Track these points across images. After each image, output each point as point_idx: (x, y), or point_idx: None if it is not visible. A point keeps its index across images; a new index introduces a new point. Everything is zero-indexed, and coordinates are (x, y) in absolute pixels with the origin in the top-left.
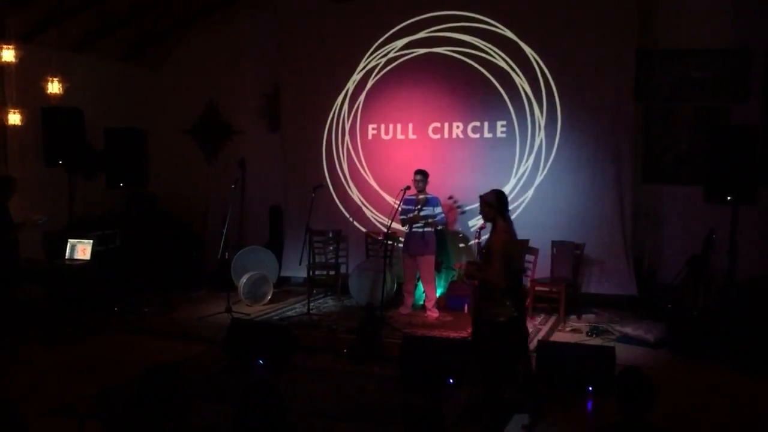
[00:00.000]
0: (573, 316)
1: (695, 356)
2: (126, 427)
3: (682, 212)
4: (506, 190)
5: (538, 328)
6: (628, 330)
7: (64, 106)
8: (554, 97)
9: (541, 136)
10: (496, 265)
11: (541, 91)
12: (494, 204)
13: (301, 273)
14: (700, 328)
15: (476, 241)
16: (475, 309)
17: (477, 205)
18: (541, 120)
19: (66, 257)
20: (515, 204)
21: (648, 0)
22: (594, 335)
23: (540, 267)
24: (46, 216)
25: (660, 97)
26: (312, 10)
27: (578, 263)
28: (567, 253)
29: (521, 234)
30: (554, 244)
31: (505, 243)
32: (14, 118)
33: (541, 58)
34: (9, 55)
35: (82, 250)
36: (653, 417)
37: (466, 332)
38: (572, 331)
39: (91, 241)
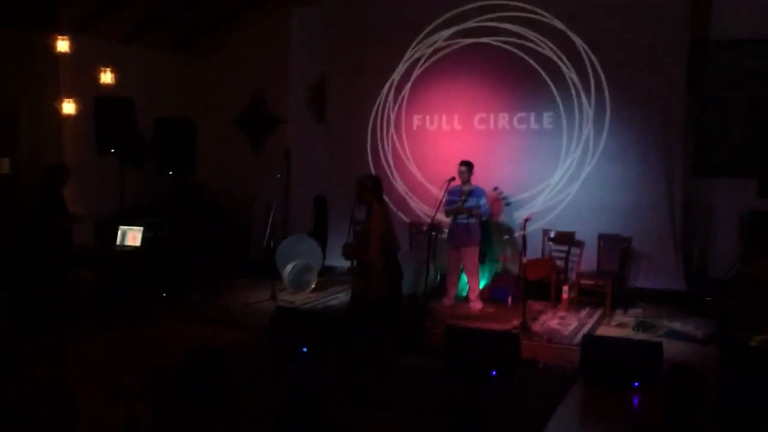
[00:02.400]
0: (619, 311)
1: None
2: (173, 410)
3: (734, 206)
4: (552, 181)
5: (583, 321)
6: (677, 325)
7: (116, 96)
8: (603, 87)
9: (588, 128)
10: (374, 245)
11: (589, 82)
12: (370, 188)
13: (345, 262)
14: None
15: (522, 233)
16: (352, 286)
17: (522, 196)
18: (589, 111)
19: (117, 243)
20: (561, 196)
21: None
22: (641, 330)
23: (586, 260)
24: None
25: (713, 88)
26: (359, 2)
27: (625, 257)
28: (614, 246)
29: (568, 226)
30: (601, 237)
31: (382, 225)
32: (69, 108)
33: (590, 48)
34: (64, 45)
35: (132, 236)
36: (701, 416)
37: (510, 324)
38: (618, 326)
39: (141, 228)
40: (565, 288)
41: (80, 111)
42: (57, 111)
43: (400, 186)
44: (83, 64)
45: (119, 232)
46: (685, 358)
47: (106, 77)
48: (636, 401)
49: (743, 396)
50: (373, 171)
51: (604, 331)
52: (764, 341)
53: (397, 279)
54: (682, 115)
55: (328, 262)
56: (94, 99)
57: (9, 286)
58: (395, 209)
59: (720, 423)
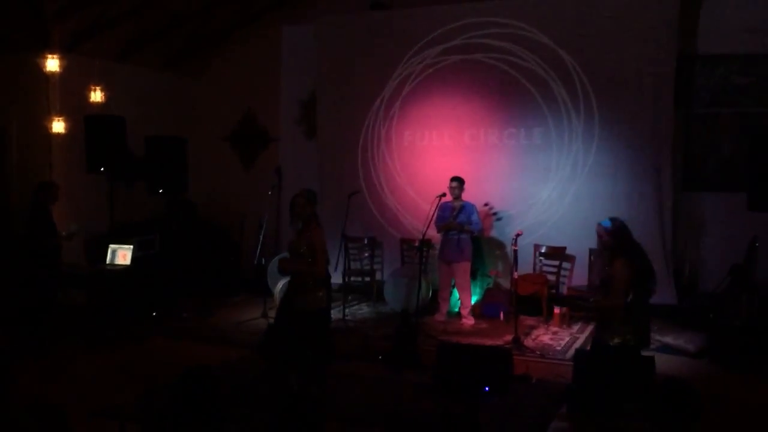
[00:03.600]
0: None
1: (737, 367)
2: (164, 429)
3: (724, 220)
4: (543, 196)
5: (575, 336)
6: (668, 339)
7: (107, 114)
8: (591, 103)
9: (578, 143)
10: (322, 258)
11: (578, 97)
12: (313, 201)
13: (337, 279)
14: (743, 338)
15: (514, 248)
16: (286, 296)
17: (513, 211)
18: (578, 126)
19: (107, 262)
20: (552, 210)
21: (688, 4)
22: None
23: (577, 275)
24: (77, 225)
25: (701, 103)
26: (348, 19)
27: None
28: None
29: (559, 241)
30: (592, 251)
31: (324, 239)
32: (58, 126)
33: (578, 64)
34: (54, 64)
35: (122, 255)
36: (693, 429)
37: (502, 340)
38: None
39: (132, 246)
40: None
41: (70, 129)
42: (47, 129)
43: (391, 202)
44: (73, 83)
45: (109, 251)
46: (676, 372)
47: (96, 96)
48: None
49: (600, 390)
50: (364, 187)
51: None
52: (623, 342)
53: (330, 289)
54: (671, 130)
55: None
56: (84, 117)
57: None
58: (386, 225)
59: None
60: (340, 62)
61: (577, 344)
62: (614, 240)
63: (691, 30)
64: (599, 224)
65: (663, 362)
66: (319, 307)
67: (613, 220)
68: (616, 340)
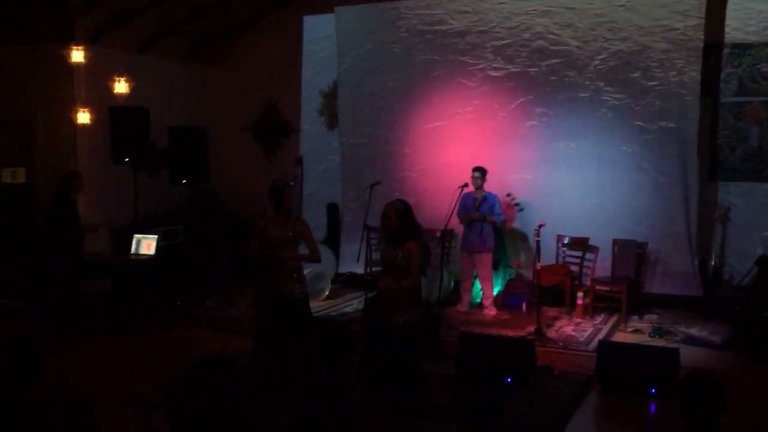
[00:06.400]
0: (635, 317)
1: (763, 359)
2: (188, 419)
3: (751, 210)
4: (566, 186)
5: (598, 327)
6: (693, 331)
7: (131, 105)
8: (616, 91)
9: (602, 132)
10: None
11: (602, 85)
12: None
13: (359, 269)
14: None
15: (536, 239)
16: (271, 287)
17: (537, 202)
18: (602, 114)
19: (132, 252)
20: (575, 201)
21: None
22: (657, 336)
23: (601, 265)
24: (104, 222)
25: (728, 92)
26: (369, 7)
27: (640, 262)
28: (629, 251)
29: (581, 232)
30: (616, 242)
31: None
32: (83, 117)
33: (604, 52)
34: (79, 56)
35: (147, 245)
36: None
37: (524, 331)
38: (634, 332)
39: (156, 236)
40: (580, 294)
41: (95, 121)
42: (72, 121)
43: (412, 192)
44: (98, 74)
45: (134, 241)
46: (702, 365)
47: (121, 87)
48: (653, 408)
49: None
50: (385, 177)
51: (619, 337)
52: (410, 319)
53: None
54: (697, 119)
55: (341, 270)
56: (109, 109)
57: (23, 294)
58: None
59: None
60: (361, 52)
61: (601, 335)
62: (402, 221)
63: (719, 18)
64: (389, 204)
65: (687, 354)
66: (295, 296)
67: (402, 201)
68: (404, 319)
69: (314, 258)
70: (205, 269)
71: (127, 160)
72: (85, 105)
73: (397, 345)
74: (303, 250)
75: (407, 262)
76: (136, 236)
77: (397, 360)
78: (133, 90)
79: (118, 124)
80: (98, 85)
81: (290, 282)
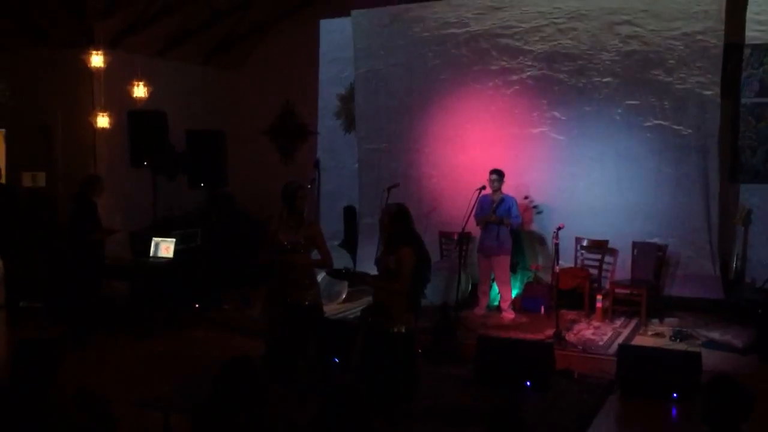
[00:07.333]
0: (655, 320)
1: None
2: (209, 420)
3: None
4: (584, 187)
5: (618, 331)
6: (715, 335)
7: (149, 109)
8: (636, 92)
9: (620, 133)
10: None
11: (621, 86)
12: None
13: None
14: None
15: (555, 241)
16: (281, 292)
17: (555, 205)
18: (620, 115)
19: (150, 255)
20: (594, 203)
21: None
22: (678, 340)
23: (620, 268)
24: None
25: (749, 93)
26: (385, 10)
27: (660, 265)
28: (649, 254)
29: (600, 234)
30: (635, 245)
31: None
32: (103, 121)
33: (622, 53)
34: (98, 60)
35: (165, 248)
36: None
37: (543, 334)
38: (654, 336)
39: (174, 239)
40: (599, 297)
41: (114, 124)
42: (91, 125)
43: (429, 195)
44: (117, 79)
45: (152, 244)
46: (724, 368)
47: (139, 91)
48: (674, 413)
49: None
50: (402, 180)
51: (639, 340)
52: (407, 329)
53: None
54: (718, 120)
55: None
56: (128, 113)
57: (44, 296)
58: (425, 218)
59: None
60: (378, 54)
61: (620, 339)
62: (396, 226)
63: (739, 18)
64: (384, 208)
65: (709, 358)
66: (304, 303)
67: (398, 205)
68: (398, 327)
69: (326, 263)
70: (223, 272)
71: (145, 163)
72: (104, 109)
73: (390, 354)
74: (316, 255)
75: (399, 267)
76: (155, 239)
77: (391, 369)
78: (152, 94)
79: (136, 128)
80: (117, 90)
81: (301, 289)
